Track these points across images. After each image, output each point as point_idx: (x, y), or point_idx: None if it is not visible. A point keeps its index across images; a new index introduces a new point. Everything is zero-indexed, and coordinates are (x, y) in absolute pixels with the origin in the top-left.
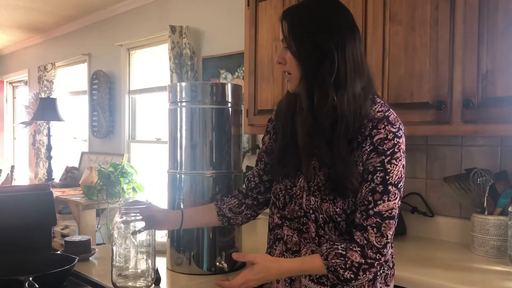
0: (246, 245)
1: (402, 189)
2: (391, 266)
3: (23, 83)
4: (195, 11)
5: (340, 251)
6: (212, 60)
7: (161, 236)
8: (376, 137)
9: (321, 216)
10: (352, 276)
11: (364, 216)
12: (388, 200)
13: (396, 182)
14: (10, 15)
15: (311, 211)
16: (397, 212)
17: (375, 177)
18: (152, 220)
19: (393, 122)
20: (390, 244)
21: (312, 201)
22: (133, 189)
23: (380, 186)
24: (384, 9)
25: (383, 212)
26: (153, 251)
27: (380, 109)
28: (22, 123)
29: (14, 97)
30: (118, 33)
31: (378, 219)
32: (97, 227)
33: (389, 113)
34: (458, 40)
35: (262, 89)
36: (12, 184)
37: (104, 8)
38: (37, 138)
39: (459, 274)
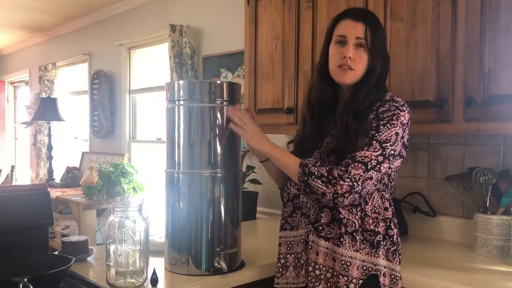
0: (245, 245)
1: (388, 151)
2: (394, 242)
3: (24, 83)
4: (195, 10)
5: (317, 162)
6: (213, 59)
7: (160, 236)
8: (380, 110)
9: None
10: (315, 174)
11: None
12: (367, 150)
13: (381, 140)
14: (10, 14)
15: None
16: (373, 165)
17: (367, 135)
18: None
19: (397, 101)
20: (353, 182)
21: None
22: (134, 189)
23: (366, 140)
24: (385, 6)
25: (357, 157)
26: (146, 247)
27: (389, 95)
28: (23, 123)
29: (15, 97)
30: (118, 32)
31: (349, 160)
32: (98, 227)
33: (396, 97)
34: (460, 37)
35: (262, 88)
36: (13, 184)
37: (105, 8)
38: (38, 138)
39: (461, 275)
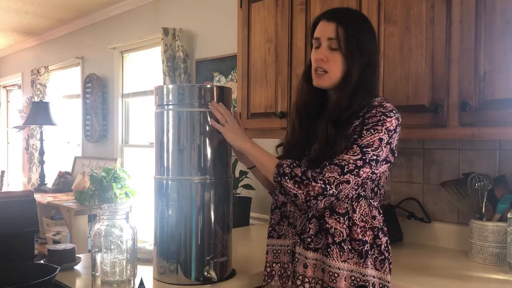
0: (237, 253)
1: (369, 156)
2: (382, 251)
3: (17, 87)
4: (188, 13)
5: (293, 163)
6: (206, 63)
7: (149, 244)
8: (367, 115)
9: None
10: (288, 174)
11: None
12: (346, 154)
13: (362, 145)
14: (2, 18)
15: None
16: (350, 168)
17: (348, 139)
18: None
19: (385, 106)
20: (326, 184)
21: None
22: (126, 194)
23: (347, 144)
24: (378, 9)
25: (334, 160)
26: (134, 256)
27: (379, 100)
28: (16, 127)
29: (8, 101)
30: (111, 35)
31: (326, 163)
32: (89, 233)
33: (385, 102)
34: (454, 41)
35: (255, 92)
36: (4, 189)
37: (97, 11)
38: (30, 142)
39: (457, 283)
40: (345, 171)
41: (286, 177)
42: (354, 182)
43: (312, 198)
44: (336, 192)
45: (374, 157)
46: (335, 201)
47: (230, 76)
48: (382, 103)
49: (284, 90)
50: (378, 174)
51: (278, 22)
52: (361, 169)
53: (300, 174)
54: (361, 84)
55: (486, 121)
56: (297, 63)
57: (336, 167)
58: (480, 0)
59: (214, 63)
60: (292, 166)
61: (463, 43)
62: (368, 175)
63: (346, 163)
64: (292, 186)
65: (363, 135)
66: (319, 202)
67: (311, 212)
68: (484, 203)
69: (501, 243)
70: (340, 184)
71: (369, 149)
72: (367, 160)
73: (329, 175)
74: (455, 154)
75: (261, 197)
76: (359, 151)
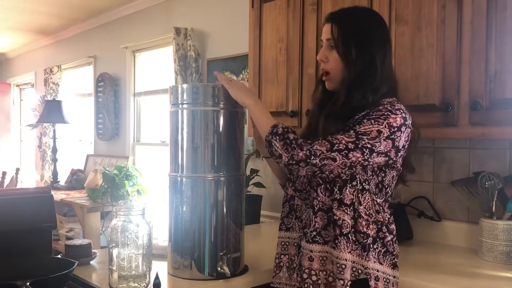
0: (249, 249)
1: (363, 142)
2: (385, 244)
3: (30, 86)
4: (200, 13)
5: (289, 128)
6: (217, 62)
7: (163, 240)
8: (373, 111)
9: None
10: (280, 135)
11: None
12: (340, 135)
13: (359, 132)
14: (16, 18)
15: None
16: (339, 148)
17: (350, 124)
18: None
19: (394, 105)
20: (311, 154)
21: None
22: (138, 191)
23: (346, 127)
24: (390, 9)
25: (328, 137)
26: (149, 251)
27: (389, 100)
28: (29, 125)
29: (21, 100)
30: (123, 35)
31: (320, 138)
32: (102, 230)
33: (396, 103)
34: (465, 40)
35: (267, 91)
36: (18, 187)
37: (110, 11)
38: (43, 140)
39: (467, 281)
40: (334, 148)
41: (277, 137)
42: (341, 162)
43: (294, 162)
44: (320, 164)
45: (369, 146)
46: (318, 173)
47: (242, 76)
48: (392, 102)
49: (295, 90)
50: (373, 164)
51: (289, 22)
52: (351, 152)
53: (291, 138)
54: (361, 82)
55: (496, 120)
56: (308, 63)
57: (326, 143)
58: (492, 0)
59: (226, 62)
60: (286, 129)
61: (474, 43)
62: (358, 160)
63: (338, 142)
64: (279, 146)
65: (362, 123)
66: (300, 168)
67: (314, 204)
68: (494, 202)
69: (511, 242)
70: (325, 159)
71: (365, 137)
72: (360, 146)
73: (318, 148)
74: (466, 153)
75: (272, 195)
76: (354, 136)
